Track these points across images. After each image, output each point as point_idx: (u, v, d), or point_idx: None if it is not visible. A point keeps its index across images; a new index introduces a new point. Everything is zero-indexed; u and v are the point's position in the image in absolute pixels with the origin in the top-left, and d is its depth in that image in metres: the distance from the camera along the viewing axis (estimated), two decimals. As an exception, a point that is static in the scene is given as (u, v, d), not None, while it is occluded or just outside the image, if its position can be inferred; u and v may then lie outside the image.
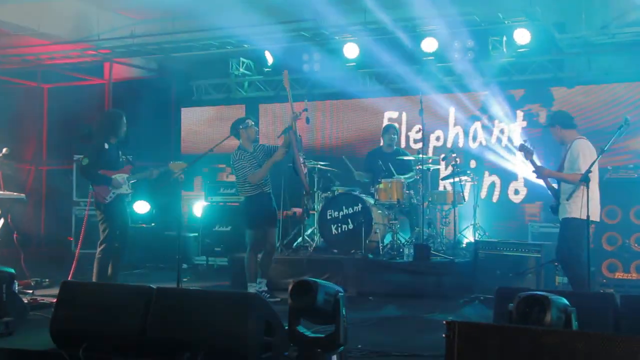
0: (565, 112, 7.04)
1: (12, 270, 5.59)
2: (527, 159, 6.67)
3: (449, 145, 10.53)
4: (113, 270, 7.23)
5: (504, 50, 9.79)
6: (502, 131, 10.40)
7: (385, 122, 10.97)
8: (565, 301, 3.76)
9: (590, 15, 9.65)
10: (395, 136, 9.43)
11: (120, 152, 7.33)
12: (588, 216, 5.95)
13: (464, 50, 9.87)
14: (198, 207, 10.88)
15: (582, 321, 3.73)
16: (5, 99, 11.85)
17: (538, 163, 6.85)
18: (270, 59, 11.08)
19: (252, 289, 7.28)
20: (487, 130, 10.42)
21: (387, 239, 8.75)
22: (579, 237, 6.13)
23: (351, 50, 10.55)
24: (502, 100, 10.44)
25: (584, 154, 6.30)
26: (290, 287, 4.39)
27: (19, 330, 5.45)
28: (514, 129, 10.30)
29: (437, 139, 10.79)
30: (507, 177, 10.24)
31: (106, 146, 7.20)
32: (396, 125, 10.08)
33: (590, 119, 9.79)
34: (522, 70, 10.21)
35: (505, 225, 9.84)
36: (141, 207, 11.28)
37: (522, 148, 6.70)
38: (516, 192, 10.25)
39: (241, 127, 7.52)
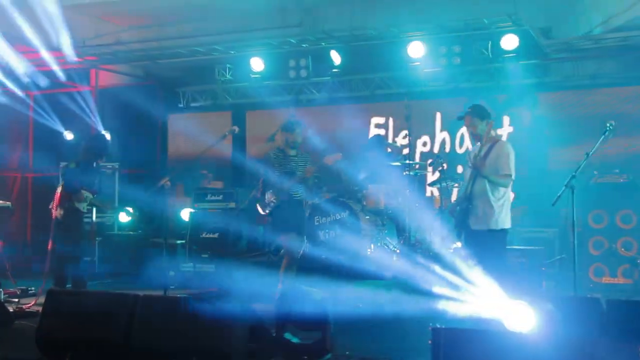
0: (484, 106, 6.50)
1: (-3, 279, 5.55)
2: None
3: (435, 150, 10.57)
4: (74, 283, 7.39)
5: (490, 55, 9.84)
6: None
7: (372, 128, 11.00)
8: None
9: (576, 20, 9.75)
10: (379, 150, 9.28)
11: (97, 177, 7.65)
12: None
13: (450, 55, 9.90)
14: (185, 214, 10.84)
15: (568, 325, 3.76)
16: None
17: None
18: (257, 66, 11.06)
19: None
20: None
21: (375, 244, 8.74)
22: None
23: (337, 57, 10.56)
24: (488, 105, 10.47)
25: (511, 155, 6.09)
26: (277, 293, 4.39)
27: (5, 339, 5.42)
28: (501, 133, 10.35)
29: (424, 144, 10.83)
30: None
31: (94, 165, 7.57)
32: (383, 132, 10.07)
33: (576, 123, 9.86)
34: (507, 76, 10.26)
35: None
36: (125, 215, 11.25)
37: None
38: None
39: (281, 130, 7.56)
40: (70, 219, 7.39)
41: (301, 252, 7.56)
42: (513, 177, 5.98)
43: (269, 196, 7.35)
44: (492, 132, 6.16)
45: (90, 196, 7.52)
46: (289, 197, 7.36)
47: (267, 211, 7.42)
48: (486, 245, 5.91)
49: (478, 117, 6.12)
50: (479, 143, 6.18)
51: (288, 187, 7.23)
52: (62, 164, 9.84)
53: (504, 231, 5.90)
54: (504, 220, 5.88)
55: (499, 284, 5.83)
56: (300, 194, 7.46)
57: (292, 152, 7.46)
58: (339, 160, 7.39)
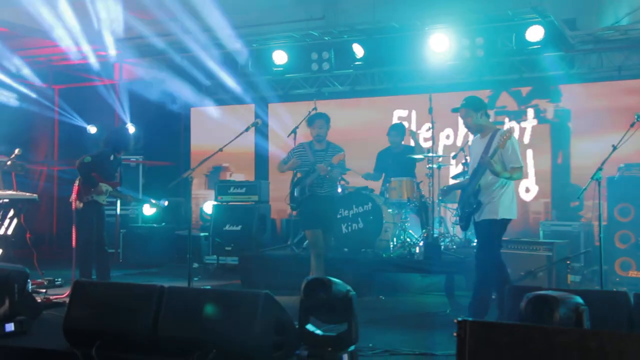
0: (479, 97, 6.38)
1: (26, 270, 5.62)
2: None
3: (458, 143, 10.51)
4: (98, 274, 7.57)
5: (514, 47, 9.75)
6: (512, 129, 10.36)
7: (395, 120, 10.96)
8: (578, 299, 3.75)
9: (601, 11, 9.62)
10: (398, 137, 9.29)
11: (119, 169, 7.86)
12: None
13: (473, 47, 9.81)
14: (208, 206, 10.90)
15: (595, 320, 3.72)
16: (17, 100, 11.91)
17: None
18: (280, 59, 11.06)
19: None
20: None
21: (398, 237, 8.73)
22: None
23: (359, 49, 10.52)
24: (511, 98, 10.44)
25: (517, 146, 5.96)
26: (303, 285, 4.40)
27: (33, 329, 5.48)
28: (525, 126, 10.29)
29: (447, 137, 10.77)
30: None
31: (111, 158, 7.73)
32: (404, 124, 10.04)
33: (602, 116, 9.76)
34: (532, 68, 10.17)
35: (516, 224, 9.78)
36: (149, 208, 11.36)
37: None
38: (527, 190, 10.23)
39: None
40: (90, 211, 7.52)
41: (325, 246, 7.52)
42: (522, 165, 5.95)
43: (296, 191, 7.39)
44: (485, 122, 6.10)
45: (110, 188, 7.64)
46: (312, 192, 7.29)
47: (295, 206, 7.45)
48: (483, 233, 5.93)
49: (472, 108, 6.07)
50: (478, 135, 6.13)
51: (310, 182, 7.17)
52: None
53: (504, 221, 5.84)
54: (507, 210, 5.82)
55: (489, 272, 5.87)
56: (326, 188, 7.36)
57: (318, 146, 7.39)
58: (342, 159, 7.30)
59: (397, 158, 9.06)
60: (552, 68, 10.04)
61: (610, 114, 9.67)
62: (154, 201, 7.77)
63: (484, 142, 5.97)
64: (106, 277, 7.60)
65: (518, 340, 3.23)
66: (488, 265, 5.84)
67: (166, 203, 7.71)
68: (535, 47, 9.55)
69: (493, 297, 6.00)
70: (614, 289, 7.45)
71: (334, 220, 7.42)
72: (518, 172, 5.92)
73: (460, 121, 10.48)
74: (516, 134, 10.34)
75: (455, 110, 6.22)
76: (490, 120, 10.28)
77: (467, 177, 8.71)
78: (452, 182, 10.10)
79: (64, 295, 7.22)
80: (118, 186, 7.80)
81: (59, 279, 8.23)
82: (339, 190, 8.91)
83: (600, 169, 6.03)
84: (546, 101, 10.27)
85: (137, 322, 4.68)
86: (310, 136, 7.56)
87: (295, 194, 7.38)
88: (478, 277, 5.92)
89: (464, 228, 6.26)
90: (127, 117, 11.89)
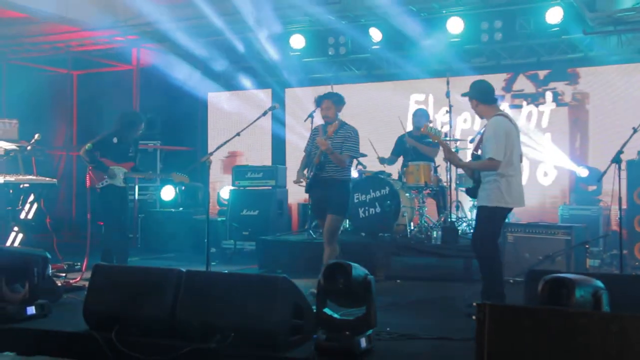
0: (485, 83, 6.10)
1: (46, 254, 5.66)
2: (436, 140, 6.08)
3: (476, 127, 10.43)
4: (117, 258, 7.56)
5: (533, 30, 9.62)
6: (530, 113, 10.31)
7: (412, 105, 10.91)
8: (597, 283, 3.72)
9: (621, -8, 9.46)
10: (423, 118, 9.29)
11: (130, 149, 7.77)
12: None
13: (492, 31, 9.70)
14: (225, 192, 10.92)
15: (615, 304, 3.68)
16: (36, 86, 11.98)
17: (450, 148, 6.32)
18: (297, 43, 11.00)
19: None
20: (515, 111, 10.30)
21: (415, 222, 8.71)
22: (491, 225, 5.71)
23: (377, 33, 10.44)
24: (529, 81, 10.33)
25: (497, 135, 5.62)
26: (323, 268, 4.39)
27: (53, 313, 5.53)
28: (543, 110, 10.20)
29: (465, 121, 10.70)
30: (536, 159, 10.14)
31: (114, 140, 7.65)
32: (424, 108, 10.00)
33: (622, 98, 9.65)
34: (550, 51, 10.05)
35: (534, 208, 9.72)
36: (168, 192, 11.40)
37: (429, 130, 6.00)
38: (545, 174, 10.15)
39: None
40: (109, 196, 7.56)
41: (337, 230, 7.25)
42: (498, 158, 5.55)
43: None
44: (488, 108, 5.87)
45: (124, 169, 7.63)
46: (315, 175, 6.79)
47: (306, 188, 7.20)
48: (478, 218, 5.83)
49: (478, 99, 5.88)
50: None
51: (316, 162, 6.71)
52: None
53: (497, 209, 5.65)
54: (502, 198, 5.64)
55: (479, 259, 5.80)
56: (329, 172, 6.73)
57: (330, 129, 6.82)
58: (337, 129, 6.67)
59: (417, 142, 9.01)
60: (571, 51, 9.92)
61: (630, 97, 9.56)
62: (177, 175, 7.68)
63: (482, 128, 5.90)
64: (124, 262, 7.65)
65: (538, 323, 3.20)
66: (483, 251, 5.70)
67: (187, 179, 7.64)
68: (555, 29, 9.42)
69: (509, 281, 5.94)
70: (634, 274, 7.38)
71: (334, 203, 6.69)
72: (485, 165, 5.64)
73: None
74: (534, 118, 10.26)
75: (464, 95, 6.09)
76: (507, 103, 10.33)
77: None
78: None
79: (77, 280, 7.29)
80: (132, 166, 7.76)
81: (78, 263, 8.29)
82: (355, 174, 8.90)
83: (620, 151, 5.95)
84: (564, 84, 10.17)
85: (155, 306, 4.70)
86: None
87: (306, 177, 7.00)
88: (481, 263, 5.81)
89: (469, 194, 6.14)
90: (144, 103, 11.90)
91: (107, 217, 7.63)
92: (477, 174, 5.79)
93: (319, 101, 6.90)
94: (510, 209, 5.81)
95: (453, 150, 8.69)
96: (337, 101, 6.84)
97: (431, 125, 6.26)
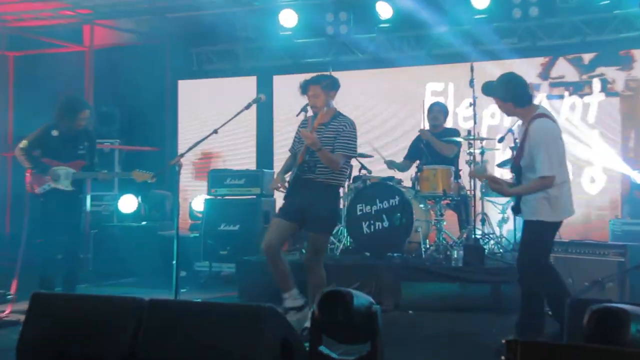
0: (517, 78, 6.04)
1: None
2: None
3: (506, 124, 10.43)
4: (65, 283, 7.57)
5: (576, 3, 9.64)
6: (573, 105, 10.32)
7: (428, 96, 10.92)
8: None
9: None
10: (441, 115, 9.33)
11: (81, 145, 7.68)
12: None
13: (526, 5, 9.72)
14: (198, 203, 10.90)
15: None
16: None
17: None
18: (287, 21, 11.01)
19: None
20: (556, 103, 10.31)
21: (431, 239, 8.70)
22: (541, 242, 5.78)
23: (385, 9, 10.46)
24: (571, 66, 10.35)
25: (548, 145, 5.59)
26: (317, 298, 4.37)
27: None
28: (590, 101, 10.21)
29: (492, 115, 10.72)
30: (581, 162, 10.15)
31: (54, 133, 7.60)
32: (442, 101, 10.01)
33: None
34: (599, 29, 10.06)
35: (579, 222, 9.73)
36: (128, 203, 11.36)
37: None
38: (592, 180, 10.16)
39: None
40: (52, 203, 7.54)
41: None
42: (552, 174, 5.56)
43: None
44: (523, 112, 5.83)
45: (71, 170, 7.57)
46: (296, 177, 6.53)
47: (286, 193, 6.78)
48: (524, 235, 5.87)
49: (512, 100, 5.81)
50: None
51: (300, 159, 6.47)
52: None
53: (544, 223, 5.69)
54: (548, 212, 5.69)
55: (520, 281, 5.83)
56: (315, 173, 6.44)
57: (321, 120, 6.54)
58: (327, 121, 6.42)
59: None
60: (625, 29, 9.93)
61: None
62: (139, 172, 7.56)
63: (522, 133, 5.84)
64: (72, 289, 7.61)
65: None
66: (528, 274, 5.76)
67: (153, 178, 7.57)
68: (604, 2, 9.45)
69: (549, 312, 5.95)
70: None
71: (316, 217, 6.42)
72: (538, 185, 5.63)
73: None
74: (578, 111, 10.27)
75: (487, 93, 6.07)
76: (544, 94, 10.35)
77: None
78: (497, 170, 10.09)
79: (6, 312, 7.22)
80: (82, 166, 7.69)
81: (10, 293, 8.22)
82: (352, 183, 8.89)
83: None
84: (615, 69, 10.18)
85: (111, 343, 4.67)
86: None
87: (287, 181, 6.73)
88: (523, 288, 5.86)
89: (514, 212, 6.15)
90: (99, 91, 11.89)
91: (48, 231, 7.55)
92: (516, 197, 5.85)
93: (304, 87, 6.60)
94: (561, 222, 5.83)
95: (478, 152, 8.75)
96: (328, 86, 6.54)
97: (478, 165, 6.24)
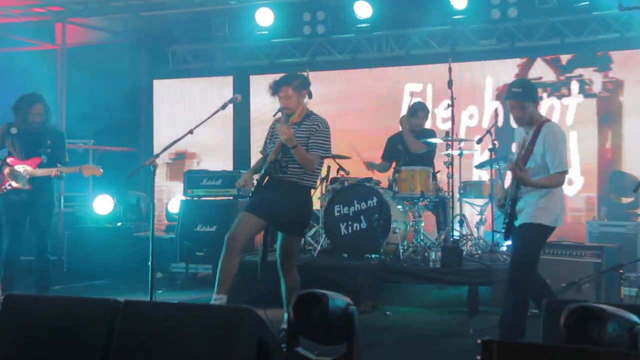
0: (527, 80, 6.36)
1: None
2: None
3: (484, 125, 10.52)
4: (37, 285, 7.63)
5: (555, 5, 9.73)
6: (552, 106, 10.40)
7: (407, 97, 10.96)
8: (634, 317, 3.75)
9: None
10: (425, 119, 9.35)
11: (44, 142, 7.63)
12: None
13: (504, 6, 9.80)
14: (175, 203, 10.89)
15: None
16: None
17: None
18: (264, 20, 11.05)
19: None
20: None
21: (409, 240, 8.75)
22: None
23: (364, 8, 10.50)
24: (548, 67, 10.44)
25: (563, 144, 5.87)
26: (293, 300, 4.40)
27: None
28: (568, 103, 10.30)
29: (471, 117, 10.79)
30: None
31: (12, 131, 7.64)
32: (421, 101, 10.06)
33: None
34: (578, 30, 10.15)
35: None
36: (103, 203, 11.32)
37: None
38: (570, 182, 10.23)
39: None
40: (11, 203, 7.57)
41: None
42: (567, 169, 5.85)
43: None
44: (536, 113, 5.96)
45: (28, 168, 7.54)
46: (266, 174, 6.38)
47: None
48: (517, 238, 5.92)
49: (530, 100, 5.87)
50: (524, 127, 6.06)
51: (272, 158, 6.35)
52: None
53: (541, 227, 5.80)
54: (548, 216, 5.80)
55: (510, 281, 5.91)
56: (288, 173, 6.32)
57: (294, 120, 6.44)
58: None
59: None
60: (603, 30, 10.02)
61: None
62: (87, 167, 7.58)
63: (528, 137, 5.90)
64: (45, 290, 7.60)
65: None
66: (521, 277, 5.83)
67: (99, 171, 7.58)
68: (582, 4, 9.53)
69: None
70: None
71: (288, 220, 6.35)
72: (559, 179, 5.83)
73: (487, 97, 10.63)
74: (557, 112, 10.35)
75: (507, 98, 6.11)
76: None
77: (496, 166, 8.79)
78: (475, 172, 10.16)
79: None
80: (39, 162, 7.62)
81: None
82: (330, 184, 8.92)
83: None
84: (592, 70, 10.26)
85: (84, 345, 4.66)
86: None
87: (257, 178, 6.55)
88: (513, 290, 5.92)
89: (505, 237, 6.20)
90: (70, 91, 11.82)
91: (11, 231, 7.59)
92: (519, 193, 5.86)
93: (275, 88, 6.49)
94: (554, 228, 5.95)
95: (456, 153, 8.81)
96: (299, 86, 6.43)
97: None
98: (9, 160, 7.59)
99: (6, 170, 7.53)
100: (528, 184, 5.74)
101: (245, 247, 9.38)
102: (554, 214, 5.82)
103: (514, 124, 10.40)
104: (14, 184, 7.52)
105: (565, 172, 5.80)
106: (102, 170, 7.59)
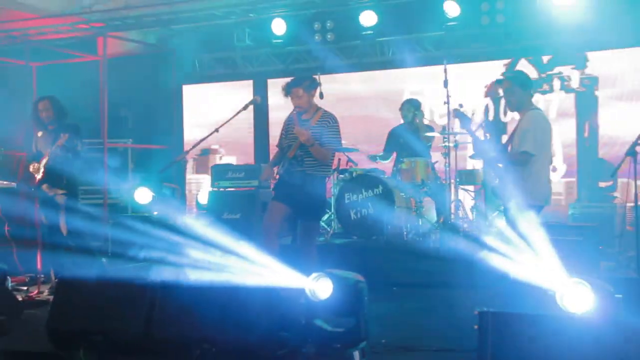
0: (523, 72, 6.22)
1: (4, 266, 5.63)
2: (464, 128, 6.15)
3: (477, 119, 10.46)
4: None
5: (539, 10, 9.64)
6: (536, 101, 10.32)
7: (407, 95, 10.92)
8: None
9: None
10: (410, 113, 9.30)
11: (55, 138, 7.55)
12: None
13: (493, 12, 9.73)
14: (203, 194, 10.90)
15: (630, 309, 3.71)
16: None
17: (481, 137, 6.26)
18: (279, 30, 11.04)
19: None
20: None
21: (412, 223, 8.73)
22: None
23: (369, 18, 10.45)
24: (531, 65, 10.37)
25: (537, 129, 5.78)
26: (308, 279, 4.40)
27: (13, 331, 5.49)
28: (551, 99, 10.24)
29: (464, 113, 10.72)
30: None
31: (39, 134, 7.77)
32: (417, 98, 10.02)
33: (635, 84, 9.69)
34: (558, 33, 10.07)
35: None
36: (143, 195, 11.34)
37: (457, 114, 6.12)
38: (554, 169, 10.19)
39: None
40: (38, 193, 7.69)
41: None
42: (533, 152, 5.66)
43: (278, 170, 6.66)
44: (528, 101, 5.92)
45: (44, 161, 7.56)
46: (287, 171, 6.44)
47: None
48: (515, 222, 5.76)
49: (519, 85, 5.86)
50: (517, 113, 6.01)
51: (291, 155, 6.38)
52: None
53: (533, 207, 5.72)
54: (535, 196, 5.72)
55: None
56: (305, 166, 6.36)
57: (305, 116, 6.49)
58: (319, 83, 6.55)
59: (411, 136, 9.05)
60: (581, 33, 9.92)
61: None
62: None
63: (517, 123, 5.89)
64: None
65: (546, 331, 3.22)
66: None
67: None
68: (563, 8, 9.46)
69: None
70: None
71: (308, 206, 6.40)
72: (513, 157, 5.73)
73: (479, 95, 10.55)
74: (541, 107, 10.25)
75: (499, 82, 6.09)
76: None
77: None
78: (470, 161, 10.11)
79: (35, 293, 7.25)
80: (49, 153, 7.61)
81: (42, 275, 8.23)
82: (340, 174, 8.92)
83: (636, 143, 5.98)
84: (570, 68, 10.20)
85: (128, 321, 4.69)
86: None
87: (276, 173, 6.59)
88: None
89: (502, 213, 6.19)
90: (111, 97, 11.84)
91: (47, 220, 7.65)
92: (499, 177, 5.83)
93: (288, 90, 6.48)
94: (542, 207, 5.86)
95: (452, 145, 8.77)
96: (309, 86, 6.45)
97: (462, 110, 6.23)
98: (41, 159, 7.62)
99: (31, 167, 7.65)
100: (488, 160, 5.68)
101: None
102: (541, 194, 5.75)
103: (504, 118, 10.45)
104: (37, 176, 7.59)
105: (525, 154, 5.62)
106: (66, 135, 7.36)
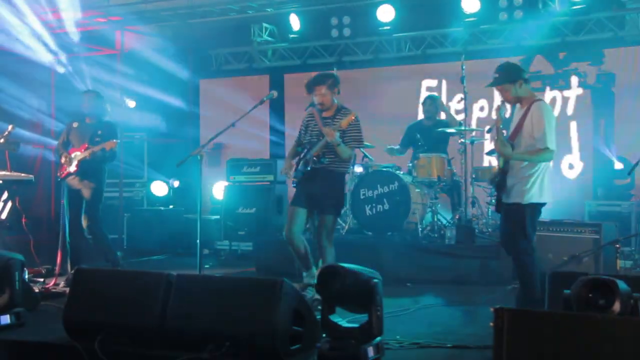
0: (510, 62, 6.07)
1: (21, 257, 5.65)
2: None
3: (494, 116, 10.36)
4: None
5: (557, 7, 9.57)
6: (554, 98, 10.26)
7: (423, 92, 10.88)
8: (626, 286, 3.68)
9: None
10: (433, 108, 9.31)
11: (93, 133, 7.66)
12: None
13: (511, 9, 9.66)
14: (219, 188, 10.91)
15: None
16: (12, 72, 11.94)
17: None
18: (296, 24, 11.02)
19: None
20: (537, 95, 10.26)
21: (427, 219, 8.70)
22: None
23: (386, 13, 10.41)
24: (547, 61, 10.29)
25: (550, 121, 5.54)
26: (317, 274, 4.39)
27: (30, 322, 5.53)
28: (569, 95, 10.16)
29: (481, 109, 10.67)
30: (561, 149, 10.07)
31: (74, 125, 7.81)
32: (436, 94, 9.99)
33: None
34: (577, 30, 9.99)
35: (559, 204, 9.67)
36: (159, 188, 11.40)
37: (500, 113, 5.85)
38: (570, 166, 10.11)
39: None
40: (66, 186, 7.71)
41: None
42: (553, 148, 5.50)
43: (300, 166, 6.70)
44: (524, 92, 5.70)
45: (78, 153, 7.59)
46: (306, 167, 6.49)
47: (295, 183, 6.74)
48: (510, 218, 5.66)
49: (508, 81, 5.66)
50: (518, 105, 5.83)
51: (318, 154, 6.41)
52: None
53: (532, 205, 5.59)
54: (538, 194, 5.58)
55: (516, 261, 5.72)
56: (326, 163, 6.42)
57: (326, 114, 6.54)
58: (353, 121, 6.40)
59: (428, 132, 9.02)
60: (600, 30, 9.85)
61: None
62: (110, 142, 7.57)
63: (520, 114, 5.69)
64: (115, 262, 7.76)
65: (564, 331, 3.18)
66: (518, 253, 5.68)
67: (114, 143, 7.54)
68: (580, 6, 9.39)
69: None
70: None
71: (326, 201, 6.45)
72: (543, 154, 5.50)
73: (495, 91, 10.47)
74: (559, 104, 10.22)
75: (489, 85, 5.96)
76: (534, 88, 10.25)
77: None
78: (487, 158, 10.05)
79: (50, 284, 7.28)
80: (85, 148, 7.65)
81: (58, 267, 8.27)
82: (359, 169, 8.90)
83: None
84: (586, 64, 10.10)
85: (143, 313, 4.70)
86: None
87: (299, 167, 6.62)
88: (516, 268, 5.81)
89: (497, 210, 6.04)
90: (128, 90, 11.89)
91: (69, 211, 7.69)
92: (506, 167, 5.67)
93: (310, 88, 6.49)
94: (544, 204, 5.73)
95: (468, 142, 8.72)
96: (332, 84, 6.45)
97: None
98: (70, 150, 7.68)
99: (63, 158, 7.65)
100: (509, 157, 5.58)
101: (283, 225, 9.40)
102: (542, 190, 5.58)
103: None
104: (69, 168, 7.60)
105: (547, 150, 5.44)
106: (116, 141, 7.54)
